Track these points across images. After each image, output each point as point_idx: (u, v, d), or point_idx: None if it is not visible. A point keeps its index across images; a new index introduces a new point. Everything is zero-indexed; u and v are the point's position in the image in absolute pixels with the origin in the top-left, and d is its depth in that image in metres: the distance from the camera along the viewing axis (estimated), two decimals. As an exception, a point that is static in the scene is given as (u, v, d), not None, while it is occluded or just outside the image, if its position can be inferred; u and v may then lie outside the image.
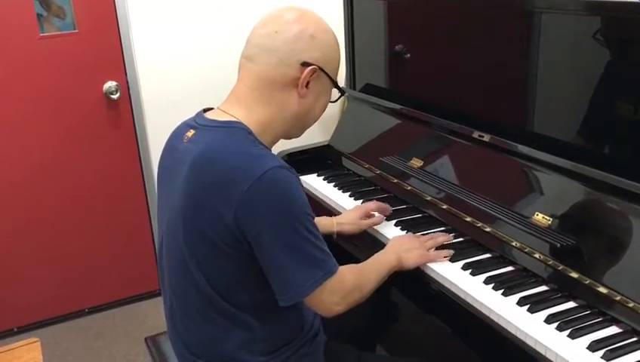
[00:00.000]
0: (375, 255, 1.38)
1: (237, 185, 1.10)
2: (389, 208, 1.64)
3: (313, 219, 1.18)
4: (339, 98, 1.36)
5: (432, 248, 1.42)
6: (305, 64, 1.19)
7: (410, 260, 1.37)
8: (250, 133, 1.19)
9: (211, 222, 1.13)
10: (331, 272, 1.17)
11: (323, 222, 1.60)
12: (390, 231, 1.58)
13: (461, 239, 1.50)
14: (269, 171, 1.10)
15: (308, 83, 1.21)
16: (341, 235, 1.59)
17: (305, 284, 1.14)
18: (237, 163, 1.13)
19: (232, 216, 1.11)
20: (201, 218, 1.15)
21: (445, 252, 1.40)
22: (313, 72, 1.20)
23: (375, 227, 1.60)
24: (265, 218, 1.11)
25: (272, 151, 1.28)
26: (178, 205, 1.19)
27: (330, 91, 1.29)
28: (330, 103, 1.32)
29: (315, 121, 1.32)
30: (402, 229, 1.57)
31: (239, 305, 1.21)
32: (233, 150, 1.15)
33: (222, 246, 1.14)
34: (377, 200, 1.73)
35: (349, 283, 1.22)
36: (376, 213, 1.62)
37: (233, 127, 1.19)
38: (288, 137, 1.31)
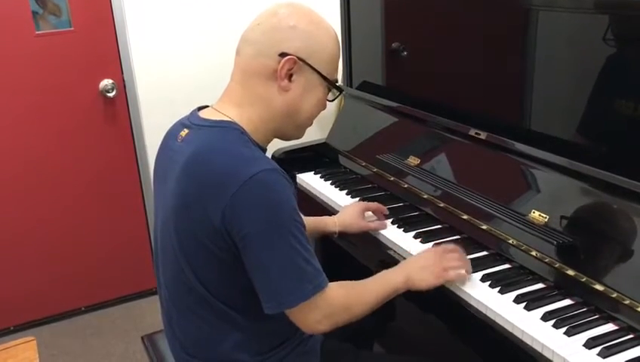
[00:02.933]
0: (383, 271, 1.28)
1: (226, 187, 1.08)
2: (385, 209, 1.63)
3: (303, 227, 1.14)
4: (337, 97, 1.33)
5: (452, 268, 1.29)
6: (283, 54, 1.16)
7: (424, 282, 1.25)
8: (243, 132, 1.17)
9: (201, 223, 1.12)
10: (320, 287, 1.13)
11: (323, 222, 1.58)
12: (388, 229, 1.58)
13: (458, 237, 1.50)
14: (259, 174, 1.08)
15: (291, 76, 1.18)
16: (342, 235, 1.58)
17: (289, 296, 1.11)
18: (227, 164, 1.11)
19: (219, 218, 1.09)
20: (191, 219, 1.14)
21: (464, 272, 1.29)
22: (292, 62, 1.16)
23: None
24: (252, 221, 1.08)
25: (268, 149, 1.28)
26: (170, 205, 1.19)
27: (322, 87, 1.23)
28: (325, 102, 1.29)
29: (311, 120, 1.27)
30: (399, 227, 1.57)
31: (232, 305, 1.20)
32: (224, 151, 1.14)
33: (212, 247, 1.13)
34: (374, 198, 1.73)
35: (336, 302, 1.16)
36: (371, 213, 1.61)
37: (226, 127, 1.17)
38: (284, 137, 1.29)
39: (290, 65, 1.17)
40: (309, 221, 1.57)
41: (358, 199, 1.76)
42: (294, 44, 1.16)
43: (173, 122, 1.31)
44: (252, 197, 1.08)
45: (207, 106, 1.27)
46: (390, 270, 1.30)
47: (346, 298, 1.19)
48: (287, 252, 1.10)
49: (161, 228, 1.26)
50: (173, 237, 1.19)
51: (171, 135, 1.27)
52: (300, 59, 1.17)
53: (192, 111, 1.28)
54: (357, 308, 1.20)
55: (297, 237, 1.11)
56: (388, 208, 1.64)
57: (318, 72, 1.21)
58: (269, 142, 1.27)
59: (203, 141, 1.17)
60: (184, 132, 1.22)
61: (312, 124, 1.29)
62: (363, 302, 1.21)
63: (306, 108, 1.23)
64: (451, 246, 1.37)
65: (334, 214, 1.66)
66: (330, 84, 1.25)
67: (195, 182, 1.13)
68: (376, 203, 1.63)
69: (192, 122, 1.23)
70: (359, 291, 1.23)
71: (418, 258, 1.33)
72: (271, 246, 1.09)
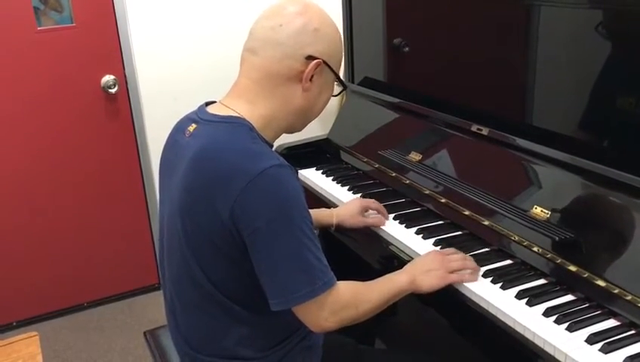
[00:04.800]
0: (388, 274, 1.29)
1: (234, 182, 1.08)
2: (386, 213, 1.60)
3: (312, 223, 1.14)
4: (341, 92, 1.34)
5: (456, 270, 1.30)
6: (310, 58, 1.18)
7: (426, 283, 1.26)
8: (251, 128, 1.17)
9: (208, 219, 1.12)
10: (329, 285, 1.12)
11: (322, 214, 1.59)
12: (389, 225, 1.58)
13: (459, 233, 1.50)
14: (268, 169, 1.08)
15: (312, 77, 1.20)
16: (340, 228, 1.59)
17: (298, 292, 1.10)
18: (235, 160, 1.11)
19: (228, 214, 1.09)
20: (198, 214, 1.14)
21: (468, 275, 1.29)
22: (317, 65, 1.19)
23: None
24: (261, 217, 1.08)
25: (274, 145, 1.28)
26: (177, 200, 1.19)
27: (333, 85, 1.28)
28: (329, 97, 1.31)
29: (318, 116, 1.30)
30: (400, 223, 1.57)
31: (237, 301, 1.20)
32: (232, 147, 1.14)
33: (219, 243, 1.13)
34: (376, 194, 1.73)
35: (344, 299, 1.16)
36: (372, 212, 1.60)
37: (234, 123, 1.17)
38: (291, 131, 1.30)
39: (315, 68, 1.19)
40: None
41: (360, 195, 1.76)
42: (319, 48, 1.19)
43: (175, 118, 1.31)
44: (261, 193, 1.08)
45: (214, 102, 1.27)
46: (395, 272, 1.30)
47: (354, 296, 1.19)
48: (296, 247, 1.09)
49: (167, 223, 1.26)
50: (179, 232, 1.19)
51: (179, 130, 1.27)
52: (324, 62, 1.20)
53: (200, 106, 1.27)
54: (363, 307, 1.20)
55: (306, 233, 1.11)
56: (389, 204, 1.64)
57: (335, 73, 1.24)
58: (277, 138, 1.27)
59: (211, 136, 1.17)
60: (192, 127, 1.22)
61: None
62: (370, 301, 1.21)
63: (319, 106, 1.27)
64: (451, 249, 1.38)
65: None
66: (340, 81, 1.28)
67: (203, 177, 1.13)
68: (376, 203, 1.62)
69: (200, 117, 1.23)
70: (366, 290, 1.23)
71: (423, 262, 1.32)
72: (280, 241, 1.09)
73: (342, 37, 1.28)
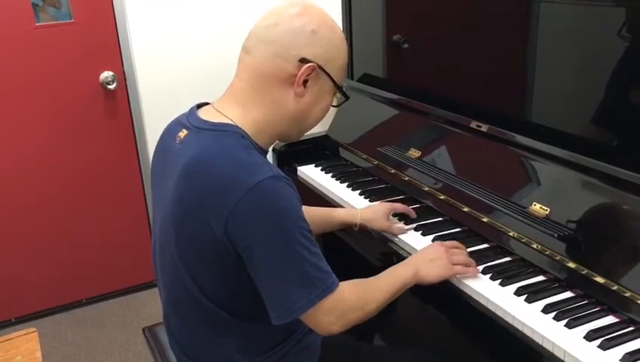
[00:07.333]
0: (391, 267, 1.27)
1: (228, 195, 1.04)
2: (414, 213, 1.57)
3: (310, 233, 1.10)
4: (342, 103, 1.27)
5: (459, 264, 1.29)
6: (303, 60, 1.12)
7: (431, 274, 1.26)
8: (244, 136, 1.13)
9: (201, 231, 1.08)
10: (328, 291, 1.09)
11: (345, 213, 1.56)
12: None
13: (459, 229, 1.50)
14: (262, 182, 1.04)
15: (306, 82, 1.14)
16: (363, 229, 1.54)
17: (297, 304, 1.07)
18: (228, 172, 1.07)
19: (222, 228, 1.05)
20: (191, 226, 1.11)
21: (472, 269, 1.30)
22: (312, 69, 1.12)
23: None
24: (256, 231, 1.05)
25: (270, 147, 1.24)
26: (170, 209, 1.15)
27: (332, 93, 1.21)
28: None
29: (315, 124, 1.24)
30: (400, 219, 1.57)
31: (232, 311, 1.17)
32: (225, 158, 1.09)
33: (212, 256, 1.10)
34: (375, 190, 1.73)
35: (348, 302, 1.13)
36: (396, 219, 1.56)
37: (226, 131, 1.12)
38: (286, 139, 1.26)
39: (309, 72, 1.13)
40: (329, 211, 1.56)
41: (359, 192, 1.76)
42: (314, 51, 1.13)
43: (174, 114, 1.28)
44: (256, 206, 1.05)
45: (207, 103, 1.23)
46: (398, 265, 1.28)
47: (358, 297, 1.17)
48: (293, 260, 1.07)
49: (159, 230, 1.23)
50: (172, 242, 1.16)
51: (170, 134, 1.22)
52: (319, 66, 1.14)
53: (191, 108, 1.23)
54: (369, 307, 1.18)
55: (303, 243, 1.08)
56: (388, 201, 1.64)
57: (332, 80, 1.18)
58: (272, 145, 1.23)
59: (202, 146, 1.12)
60: (183, 133, 1.17)
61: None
62: (374, 300, 1.19)
63: (314, 114, 1.21)
64: (454, 242, 1.37)
65: (334, 207, 1.66)
66: (341, 91, 1.22)
67: (195, 189, 1.09)
68: (403, 205, 1.58)
69: (191, 123, 1.18)
70: (370, 289, 1.21)
71: (426, 252, 1.32)
72: (276, 255, 1.06)
73: (345, 43, 1.20)
